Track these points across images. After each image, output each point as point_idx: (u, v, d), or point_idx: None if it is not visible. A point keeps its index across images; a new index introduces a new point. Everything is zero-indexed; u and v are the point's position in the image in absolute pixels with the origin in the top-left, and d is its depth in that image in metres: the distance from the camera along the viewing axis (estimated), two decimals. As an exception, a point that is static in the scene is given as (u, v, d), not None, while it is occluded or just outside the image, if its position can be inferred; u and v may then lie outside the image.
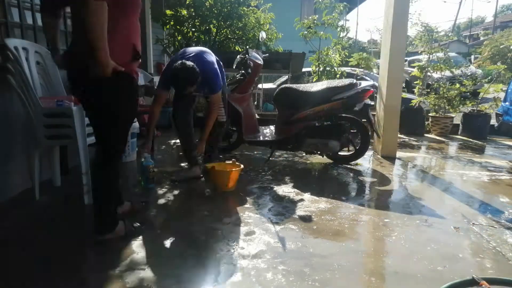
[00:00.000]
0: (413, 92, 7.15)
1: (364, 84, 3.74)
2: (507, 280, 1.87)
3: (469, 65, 11.71)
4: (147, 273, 1.89)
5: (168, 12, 6.01)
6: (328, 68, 6.22)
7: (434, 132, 5.98)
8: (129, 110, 2.12)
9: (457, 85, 6.02)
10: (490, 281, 1.85)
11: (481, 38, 30.19)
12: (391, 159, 4.30)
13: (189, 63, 2.98)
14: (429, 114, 6.09)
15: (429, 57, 6.40)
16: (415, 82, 6.79)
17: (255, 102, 6.54)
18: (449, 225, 2.56)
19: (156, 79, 6.70)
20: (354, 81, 3.76)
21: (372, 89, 3.74)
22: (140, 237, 2.26)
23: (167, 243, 2.21)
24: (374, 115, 4.53)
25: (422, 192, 3.23)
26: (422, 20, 7.06)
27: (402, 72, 4.48)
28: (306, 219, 2.59)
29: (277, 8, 7.80)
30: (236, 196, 3.01)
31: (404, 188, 3.33)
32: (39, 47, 2.97)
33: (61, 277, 1.86)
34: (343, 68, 6.43)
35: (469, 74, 6.96)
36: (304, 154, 4.32)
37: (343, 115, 3.88)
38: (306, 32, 6.30)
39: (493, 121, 5.96)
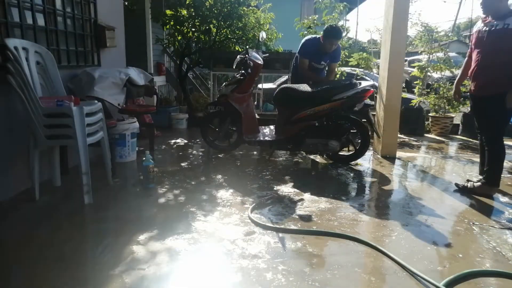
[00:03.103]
0: (413, 92, 7.14)
1: (364, 84, 3.74)
2: (503, 273, 1.95)
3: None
4: (147, 273, 1.89)
5: (168, 12, 6.00)
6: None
7: (434, 132, 5.98)
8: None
9: (457, 85, 6.01)
10: (488, 273, 1.94)
11: (481, 38, 30.01)
12: (391, 159, 4.30)
13: None
14: (429, 114, 6.09)
15: (429, 57, 6.39)
16: (415, 82, 6.79)
17: (255, 102, 6.54)
18: (449, 225, 2.56)
19: (156, 79, 6.74)
20: (354, 81, 3.76)
21: (372, 89, 3.74)
22: (140, 237, 2.26)
23: (167, 243, 2.21)
24: (374, 115, 4.54)
25: (422, 192, 3.23)
26: (422, 20, 7.07)
27: (402, 72, 4.48)
28: (306, 219, 2.59)
29: (277, 8, 7.79)
30: (236, 196, 3.01)
31: (404, 188, 3.33)
32: (39, 47, 2.97)
33: (61, 277, 1.86)
34: (343, 68, 6.43)
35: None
36: (304, 154, 4.32)
37: (343, 115, 3.88)
38: (306, 32, 6.29)
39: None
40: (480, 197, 3.11)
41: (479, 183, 3.15)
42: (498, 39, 2.89)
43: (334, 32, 3.98)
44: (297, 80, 4.26)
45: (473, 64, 3.10)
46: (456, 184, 3.33)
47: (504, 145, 3.06)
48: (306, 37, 4.30)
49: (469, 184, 3.21)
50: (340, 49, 4.36)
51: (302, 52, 4.16)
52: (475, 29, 3.15)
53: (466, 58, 3.33)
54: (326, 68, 4.38)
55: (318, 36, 4.18)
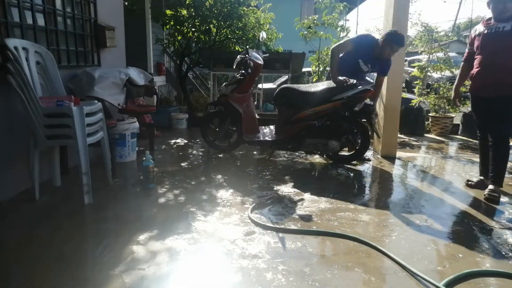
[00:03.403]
0: (413, 92, 7.15)
1: (364, 84, 3.74)
2: (503, 273, 1.95)
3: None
4: (147, 273, 1.89)
5: (168, 12, 6.01)
6: (328, 68, 6.22)
7: (434, 132, 5.98)
8: None
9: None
10: (488, 273, 1.94)
11: (481, 38, 29.99)
12: (391, 159, 4.30)
13: None
14: (429, 114, 6.09)
15: (429, 57, 6.40)
16: (415, 82, 6.80)
17: (255, 102, 6.54)
18: (449, 225, 2.57)
19: (156, 79, 6.74)
20: (354, 81, 3.76)
21: (372, 89, 3.74)
22: (140, 237, 2.26)
23: (167, 243, 2.21)
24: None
25: (422, 192, 3.23)
26: (422, 20, 7.07)
27: (402, 72, 4.48)
28: (306, 219, 2.59)
29: (277, 8, 7.80)
30: (236, 196, 3.01)
31: (404, 188, 3.33)
32: (39, 47, 2.97)
33: (61, 277, 1.86)
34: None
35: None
36: (304, 154, 4.32)
37: (343, 115, 3.88)
38: (306, 32, 6.30)
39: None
40: (480, 197, 3.11)
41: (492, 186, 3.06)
42: (501, 41, 2.92)
43: (399, 38, 3.63)
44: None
45: (476, 65, 3.09)
46: (468, 181, 3.39)
47: (509, 147, 3.05)
48: (364, 33, 4.24)
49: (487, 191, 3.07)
50: (391, 63, 3.85)
51: (354, 39, 3.89)
52: (475, 32, 3.13)
53: (463, 63, 3.33)
54: (369, 76, 4.24)
55: (377, 38, 3.89)
